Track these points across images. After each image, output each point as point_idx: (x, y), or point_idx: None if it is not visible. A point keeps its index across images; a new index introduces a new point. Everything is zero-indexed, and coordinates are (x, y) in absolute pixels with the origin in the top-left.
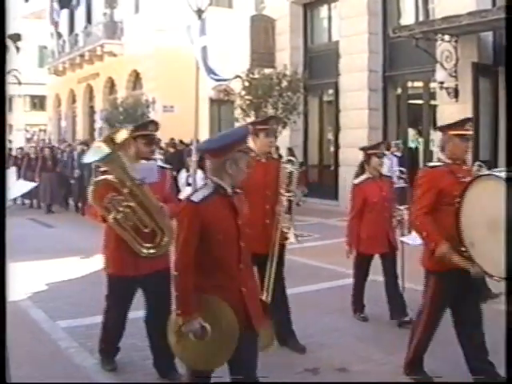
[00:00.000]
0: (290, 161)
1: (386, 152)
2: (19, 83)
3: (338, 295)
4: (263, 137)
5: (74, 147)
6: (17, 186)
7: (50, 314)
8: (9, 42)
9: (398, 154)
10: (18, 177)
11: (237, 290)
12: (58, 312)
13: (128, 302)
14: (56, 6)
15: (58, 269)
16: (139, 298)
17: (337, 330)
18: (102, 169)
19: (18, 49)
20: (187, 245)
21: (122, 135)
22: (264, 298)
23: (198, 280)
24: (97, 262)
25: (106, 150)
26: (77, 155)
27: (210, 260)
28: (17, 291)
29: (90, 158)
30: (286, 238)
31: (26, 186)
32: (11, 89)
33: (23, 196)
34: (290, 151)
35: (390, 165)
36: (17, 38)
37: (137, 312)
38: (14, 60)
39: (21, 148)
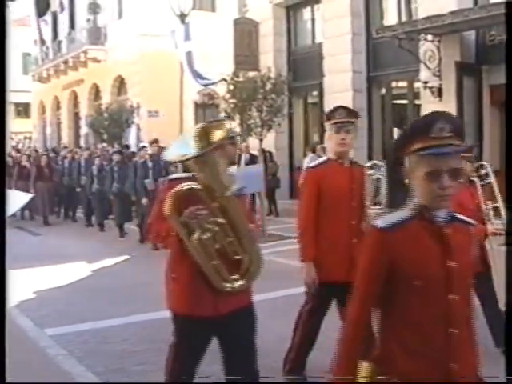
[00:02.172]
0: (374, 166)
1: (311, 154)
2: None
3: None
4: (333, 133)
5: (74, 153)
6: (12, 199)
7: (37, 321)
8: None
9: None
10: (9, 187)
11: (442, 364)
12: (45, 320)
13: (202, 351)
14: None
15: (45, 276)
16: (127, 302)
17: (327, 330)
18: (173, 176)
19: None
20: (366, 290)
21: (223, 133)
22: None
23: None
24: (83, 269)
25: (195, 147)
26: (84, 161)
27: (401, 318)
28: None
29: (174, 154)
30: None
31: (22, 198)
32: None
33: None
34: (270, 155)
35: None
36: None
37: (128, 317)
38: None
39: (10, 156)
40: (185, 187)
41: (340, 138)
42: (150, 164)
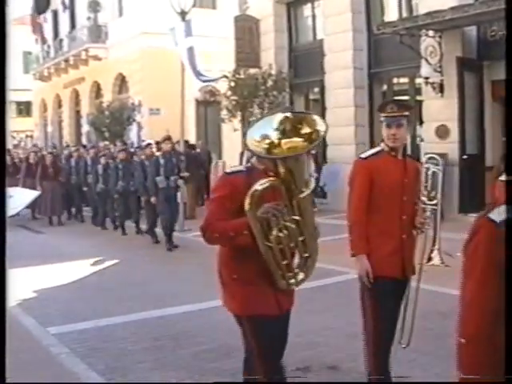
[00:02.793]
0: (431, 158)
1: None
2: None
3: (329, 294)
4: (384, 127)
5: (81, 152)
6: (19, 196)
7: (40, 320)
8: None
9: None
10: (17, 185)
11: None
12: (48, 318)
13: (282, 349)
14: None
15: (48, 275)
16: (129, 301)
17: (328, 328)
18: (231, 169)
19: None
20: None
21: (320, 130)
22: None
23: None
24: (86, 268)
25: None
26: (90, 160)
27: None
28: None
29: (256, 145)
30: (429, 259)
31: (29, 195)
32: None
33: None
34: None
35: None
36: None
37: (129, 316)
38: None
39: (16, 153)
40: (266, 183)
41: (391, 132)
42: (162, 161)
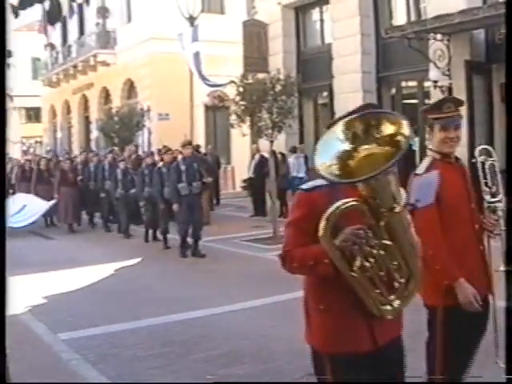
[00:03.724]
0: (484, 150)
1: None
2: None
3: None
4: (438, 130)
5: (101, 157)
6: (34, 205)
7: (50, 326)
8: None
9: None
10: (29, 191)
11: None
12: (58, 324)
13: None
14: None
15: (58, 281)
16: (140, 307)
17: None
18: (309, 184)
19: (8, 65)
20: None
21: (405, 128)
22: None
23: None
24: (96, 274)
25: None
26: (107, 165)
27: None
28: (17, 305)
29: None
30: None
31: (45, 204)
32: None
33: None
34: (283, 156)
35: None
36: (7, 54)
37: (140, 321)
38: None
39: (28, 160)
40: (345, 204)
41: (449, 135)
42: (182, 167)
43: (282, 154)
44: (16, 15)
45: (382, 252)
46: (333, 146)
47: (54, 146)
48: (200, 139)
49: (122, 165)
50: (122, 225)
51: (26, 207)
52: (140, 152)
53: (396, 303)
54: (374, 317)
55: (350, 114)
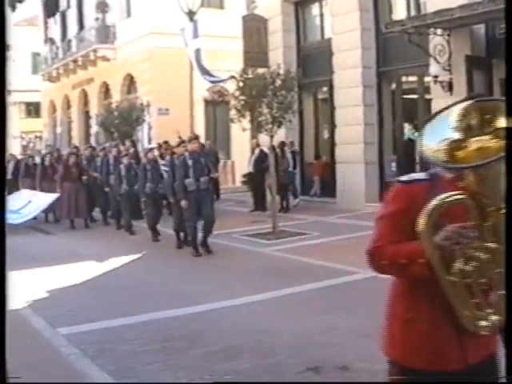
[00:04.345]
0: None
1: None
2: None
3: (339, 293)
4: None
5: (108, 151)
6: (38, 200)
7: (50, 321)
8: None
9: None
10: (33, 187)
11: None
12: (58, 319)
13: None
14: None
15: (57, 276)
16: (140, 301)
17: (338, 327)
18: (407, 177)
19: (9, 59)
20: None
21: None
22: None
23: None
24: (96, 268)
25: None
26: (112, 159)
27: None
28: (16, 299)
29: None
30: None
31: (48, 198)
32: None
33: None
34: (282, 151)
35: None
36: (6, 48)
37: (139, 316)
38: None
39: (31, 156)
40: (449, 198)
41: None
42: (189, 162)
43: (282, 149)
44: (13, 8)
45: (486, 256)
46: (442, 131)
47: (53, 140)
48: (200, 134)
49: (125, 160)
50: (125, 221)
51: (30, 203)
52: (140, 147)
53: (493, 318)
54: (466, 331)
55: (463, 100)
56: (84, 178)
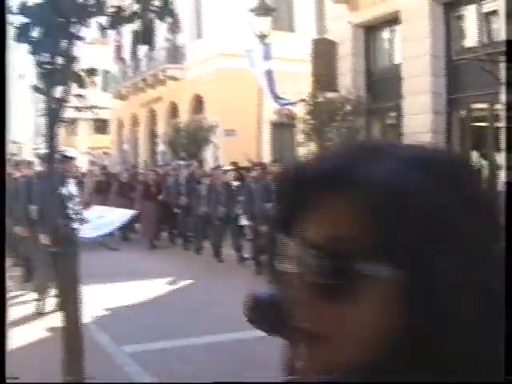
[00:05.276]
0: None
1: None
2: (86, 108)
3: None
4: None
5: (178, 170)
6: (112, 216)
7: (114, 338)
8: (84, 76)
9: None
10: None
11: None
12: (122, 336)
13: None
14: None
15: (124, 293)
16: (207, 322)
17: None
18: None
19: (93, 83)
20: None
21: None
22: None
23: None
24: (163, 287)
25: None
26: (184, 179)
27: None
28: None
29: None
30: None
31: (125, 214)
32: (77, 114)
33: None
34: None
35: None
36: (92, 72)
37: (198, 338)
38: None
39: (106, 173)
40: None
41: None
42: (272, 186)
43: None
44: (104, 34)
45: None
46: None
47: (120, 157)
48: (266, 156)
49: (208, 181)
50: (198, 242)
51: (102, 218)
52: (207, 168)
53: None
54: None
55: None
56: (160, 197)
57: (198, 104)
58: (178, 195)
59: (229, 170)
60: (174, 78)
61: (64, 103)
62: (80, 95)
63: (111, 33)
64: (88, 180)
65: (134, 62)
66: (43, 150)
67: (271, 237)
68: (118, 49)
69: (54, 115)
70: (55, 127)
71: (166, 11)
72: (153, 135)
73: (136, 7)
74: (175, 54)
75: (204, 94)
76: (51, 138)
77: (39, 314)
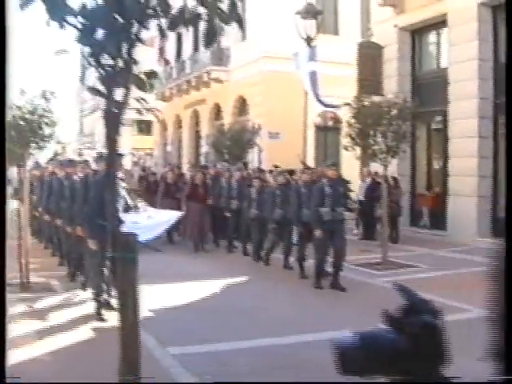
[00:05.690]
0: None
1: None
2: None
3: (450, 332)
4: None
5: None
6: (162, 217)
7: (160, 340)
8: (145, 79)
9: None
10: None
11: None
12: (168, 338)
13: None
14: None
15: (168, 294)
16: (251, 326)
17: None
18: None
19: (152, 86)
20: None
21: None
22: None
23: None
24: (208, 290)
25: None
26: (236, 183)
27: None
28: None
29: None
30: None
31: (172, 216)
32: (135, 116)
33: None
34: (395, 181)
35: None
36: (153, 75)
37: (244, 342)
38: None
39: (153, 173)
40: None
41: None
42: (327, 190)
43: (395, 179)
44: (163, 36)
45: None
46: None
47: (164, 159)
48: (310, 160)
49: (256, 183)
50: (255, 247)
51: (151, 219)
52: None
53: None
54: None
55: None
56: (209, 201)
57: (242, 106)
58: (229, 199)
59: (282, 172)
60: (218, 80)
61: (125, 106)
62: (142, 98)
63: (169, 34)
64: (128, 181)
65: (178, 64)
66: (88, 151)
67: (318, 242)
68: (162, 50)
69: (114, 118)
70: (116, 130)
71: (234, 15)
72: (196, 137)
73: (200, 9)
74: (220, 56)
75: (248, 97)
76: (112, 141)
77: (89, 314)
